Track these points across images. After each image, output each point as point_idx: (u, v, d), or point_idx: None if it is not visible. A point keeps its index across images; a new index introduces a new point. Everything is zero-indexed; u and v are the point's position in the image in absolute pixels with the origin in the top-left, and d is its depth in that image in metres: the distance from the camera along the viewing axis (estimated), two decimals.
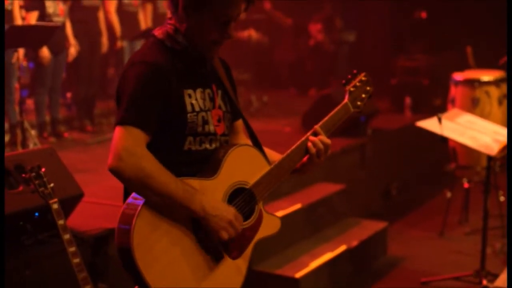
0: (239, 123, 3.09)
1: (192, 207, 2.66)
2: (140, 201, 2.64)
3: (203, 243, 2.74)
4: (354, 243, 6.11)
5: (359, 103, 3.13)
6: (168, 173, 2.64)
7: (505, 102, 7.39)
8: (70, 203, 4.44)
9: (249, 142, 3.05)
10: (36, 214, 4.22)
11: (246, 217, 2.85)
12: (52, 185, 3.72)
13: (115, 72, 9.17)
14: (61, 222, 3.72)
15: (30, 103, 8.33)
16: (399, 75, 10.89)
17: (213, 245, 2.76)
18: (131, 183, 2.62)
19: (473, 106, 7.22)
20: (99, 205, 5.25)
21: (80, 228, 4.56)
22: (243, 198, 2.83)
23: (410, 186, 8.74)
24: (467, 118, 6.02)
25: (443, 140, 5.60)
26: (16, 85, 7.12)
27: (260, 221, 2.90)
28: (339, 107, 3.06)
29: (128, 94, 2.67)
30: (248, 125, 3.02)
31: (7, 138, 7.13)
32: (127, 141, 2.61)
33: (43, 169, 3.71)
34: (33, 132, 7.09)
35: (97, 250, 4.51)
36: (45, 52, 7.54)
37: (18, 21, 7.18)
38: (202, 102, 2.81)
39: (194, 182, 2.71)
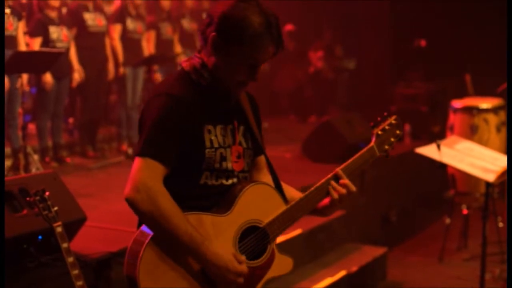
0: (262, 159, 3.04)
1: (195, 255, 2.68)
2: (148, 236, 2.67)
3: (210, 282, 2.75)
4: (354, 268, 6.15)
5: (386, 147, 3.07)
6: (180, 215, 2.65)
7: (503, 129, 7.46)
8: (73, 226, 4.49)
9: (270, 179, 3.02)
10: (40, 237, 4.26)
11: (257, 256, 2.83)
12: (56, 208, 3.76)
13: (118, 98, 9.24)
14: (65, 245, 3.76)
15: (32, 128, 8.39)
16: (399, 102, 10.97)
17: None
18: (144, 216, 2.65)
19: (471, 133, 7.29)
20: (101, 229, 5.30)
21: (83, 251, 4.59)
22: (255, 237, 2.82)
23: (410, 212, 8.78)
24: (466, 145, 6.08)
25: (442, 166, 5.65)
26: (19, 110, 7.19)
27: (271, 260, 2.87)
28: (364, 150, 3.01)
29: (149, 125, 2.69)
30: (269, 163, 2.99)
31: (9, 162, 7.19)
32: (145, 174, 2.64)
33: (47, 193, 3.75)
34: (35, 157, 7.14)
35: (99, 274, 4.55)
36: (48, 77, 7.61)
37: (23, 47, 7.26)
38: (222, 138, 2.81)
39: (206, 218, 2.73)
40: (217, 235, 2.73)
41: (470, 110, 7.41)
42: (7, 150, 7.44)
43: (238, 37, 2.68)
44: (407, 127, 10.16)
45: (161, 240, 2.67)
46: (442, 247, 7.27)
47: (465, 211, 7.32)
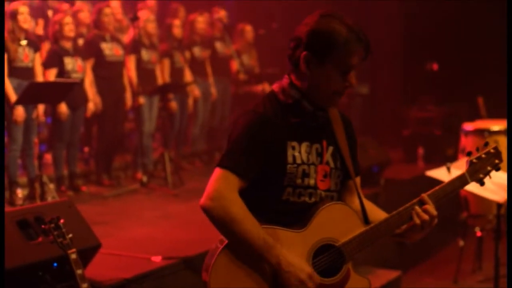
0: (356, 180, 3.06)
1: (268, 258, 2.75)
2: (221, 246, 2.80)
3: (280, 286, 2.80)
4: None
5: (481, 175, 3.08)
6: (253, 222, 2.76)
7: None
8: (88, 253, 4.56)
9: (365, 202, 3.05)
10: (55, 264, 4.34)
11: (331, 274, 2.87)
12: (70, 235, 3.84)
13: (134, 126, 9.34)
14: (79, 271, 3.84)
15: (48, 157, 8.49)
16: (412, 126, 11.03)
17: None
18: (217, 223, 2.78)
19: None
20: (116, 256, 5.37)
21: (97, 278, 4.67)
22: (329, 255, 2.87)
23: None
24: None
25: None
26: (35, 140, 7.31)
27: (346, 280, 2.91)
28: (454, 177, 3.03)
29: (233, 139, 2.85)
30: (356, 186, 3.02)
31: (26, 191, 7.28)
32: (221, 184, 2.78)
33: (62, 221, 3.83)
34: (51, 186, 7.23)
35: None
36: (63, 107, 7.70)
37: (40, 78, 7.38)
38: (306, 155, 2.89)
39: (281, 232, 2.82)
40: (291, 250, 2.81)
41: (481, 133, 7.43)
42: (24, 179, 7.55)
43: (331, 47, 2.81)
44: (421, 151, 10.21)
45: (235, 248, 2.78)
46: (457, 269, 7.27)
47: (478, 233, 7.31)
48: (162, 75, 9.25)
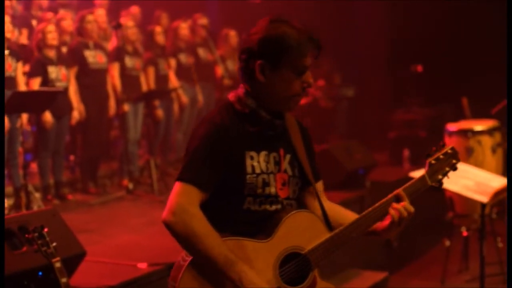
0: (318, 186, 3.07)
1: (229, 275, 2.74)
2: (187, 260, 2.80)
3: None
4: None
5: (440, 176, 3.08)
6: (215, 237, 2.75)
7: (499, 151, 7.52)
8: (73, 262, 4.57)
9: (330, 205, 3.07)
10: (40, 273, 4.33)
11: (297, 283, 2.87)
12: (54, 244, 3.84)
13: (119, 134, 9.34)
14: (63, 280, 3.83)
15: (34, 166, 8.48)
16: (397, 128, 11.06)
17: None
18: (179, 238, 2.77)
19: (467, 155, 7.35)
20: (101, 263, 5.36)
21: (83, 286, 4.67)
22: (296, 264, 2.87)
23: (410, 237, 8.79)
24: (460, 167, 6.10)
25: (436, 189, 5.69)
26: (20, 149, 7.29)
27: (313, 287, 2.90)
28: (415, 179, 3.02)
29: (190, 152, 2.85)
30: (316, 193, 3.02)
31: (11, 201, 7.27)
32: (182, 198, 2.77)
33: (45, 229, 3.83)
34: (37, 195, 7.22)
35: None
36: (47, 116, 7.69)
37: (22, 87, 7.37)
38: (265, 165, 2.89)
39: (247, 243, 2.81)
40: (257, 260, 2.81)
41: (465, 133, 7.48)
42: (9, 189, 7.53)
43: (284, 51, 2.82)
44: (406, 153, 10.23)
45: (199, 264, 2.78)
46: (444, 269, 7.29)
47: (464, 233, 7.35)
48: (147, 82, 9.26)
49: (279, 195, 2.92)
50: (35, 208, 6.87)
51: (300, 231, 2.88)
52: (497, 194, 5.67)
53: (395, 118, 11.38)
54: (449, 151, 3.12)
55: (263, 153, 2.91)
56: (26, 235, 3.90)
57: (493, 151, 7.43)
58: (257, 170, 2.87)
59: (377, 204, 2.95)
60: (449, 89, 11.88)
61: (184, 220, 2.74)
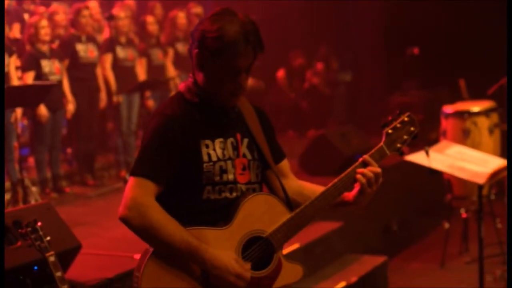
0: (282, 165, 3.08)
1: (196, 260, 2.74)
2: (151, 248, 2.77)
3: (212, 286, 2.79)
4: (353, 279, 6.16)
5: (399, 145, 3.02)
6: (174, 225, 2.73)
7: (496, 132, 7.50)
8: (68, 255, 4.54)
9: (298, 183, 3.08)
10: (35, 267, 4.31)
11: (263, 266, 2.84)
12: (48, 238, 3.81)
13: (114, 126, 9.32)
14: (58, 274, 3.81)
15: (31, 160, 8.47)
16: (394, 111, 11.00)
17: None
18: (138, 232, 2.74)
19: (464, 137, 7.34)
20: (98, 256, 5.35)
21: (80, 279, 4.64)
22: (258, 247, 2.85)
23: (409, 220, 8.80)
24: (457, 149, 6.12)
25: (433, 172, 5.69)
26: (15, 143, 7.27)
27: (279, 269, 2.88)
28: (373, 150, 2.98)
29: (143, 145, 2.82)
30: (276, 174, 3.00)
31: (8, 196, 7.26)
32: (136, 192, 2.73)
33: (39, 223, 3.80)
34: (34, 189, 7.21)
35: None
36: (42, 110, 7.68)
37: (15, 82, 7.34)
38: (221, 151, 2.86)
39: (207, 232, 2.78)
40: (219, 248, 2.78)
41: (461, 115, 7.46)
42: (6, 184, 7.51)
43: (216, 48, 2.78)
44: None
45: (161, 254, 2.74)
46: (443, 252, 7.28)
47: (464, 215, 7.33)
48: (139, 73, 9.24)
49: (238, 181, 2.89)
50: (32, 202, 6.86)
51: (260, 214, 2.85)
52: (494, 175, 5.65)
53: (392, 101, 11.36)
54: (406, 118, 3.06)
55: (218, 140, 2.88)
56: (19, 230, 3.87)
57: (490, 132, 7.41)
58: (214, 158, 2.84)
59: (343, 174, 2.93)
60: (445, 71, 11.86)
61: (140, 212, 2.71)
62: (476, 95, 8.86)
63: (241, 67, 2.81)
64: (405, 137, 3.04)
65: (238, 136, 2.94)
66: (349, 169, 2.93)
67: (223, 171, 2.86)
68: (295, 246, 5.93)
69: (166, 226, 2.71)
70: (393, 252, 7.69)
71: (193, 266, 2.76)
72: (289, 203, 2.95)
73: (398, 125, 3.04)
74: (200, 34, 2.82)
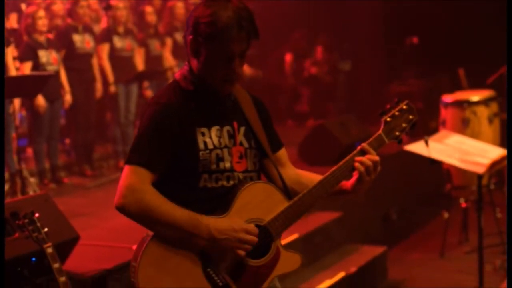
0: (280, 154, 3.07)
1: (199, 233, 2.71)
2: (149, 238, 2.74)
3: (213, 281, 2.77)
4: (353, 269, 6.15)
5: (397, 133, 3.02)
6: (172, 203, 2.71)
7: (496, 121, 7.47)
8: (66, 246, 4.53)
9: (296, 172, 3.07)
10: (33, 259, 4.30)
11: (261, 255, 2.83)
12: (46, 230, 3.79)
13: (112, 116, 9.29)
14: (56, 265, 3.79)
15: (30, 151, 8.45)
16: (392, 100, 10.97)
17: (223, 282, 2.78)
18: (137, 218, 2.72)
19: (463, 126, 7.30)
20: (97, 247, 5.34)
21: (78, 270, 4.63)
22: (257, 236, 2.82)
23: (409, 210, 8.79)
24: (456, 139, 6.10)
25: (432, 162, 5.67)
26: (13, 134, 7.25)
27: (277, 258, 2.87)
28: (371, 139, 2.97)
29: (139, 134, 2.80)
30: (273, 162, 2.99)
31: (7, 186, 7.23)
32: (130, 179, 2.72)
33: (36, 215, 3.79)
34: (32, 180, 7.18)
35: None
36: (40, 100, 7.66)
37: (12, 72, 7.31)
38: (218, 139, 2.84)
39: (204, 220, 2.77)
40: None
41: (460, 104, 7.42)
42: (5, 175, 7.49)
43: (210, 33, 2.76)
44: None
45: (159, 244, 2.73)
46: (443, 242, 7.27)
47: (463, 204, 7.32)
48: (137, 64, 9.21)
49: (235, 169, 2.87)
50: (30, 192, 6.84)
51: (257, 202, 2.84)
52: (494, 165, 5.64)
53: (391, 90, 11.33)
54: (404, 106, 3.06)
55: (214, 128, 2.86)
56: (17, 222, 3.85)
57: (490, 121, 7.38)
58: (210, 146, 2.82)
59: (341, 162, 2.91)
60: (444, 61, 11.83)
61: (135, 198, 2.69)
62: (475, 85, 8.83)
63: (235, 52, 2.79)
64: (403, 125, 3.03)
65: (235, 124, 2.92)
66: (348, 157, 2.92)
67: (220, 159, 2.84)
68: (294, 236, 5.92)
69: (164, 206, 2.71)
70: (393, 242, 7.68)
71: (192, 249, 2.74)
72: (287, 191, 2.93)
73: (397, 113, 3.04)
74: (194, 20, 2.80)
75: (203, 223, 2.72)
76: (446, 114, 7.50)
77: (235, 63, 2.81)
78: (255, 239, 2.78)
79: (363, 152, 2.91)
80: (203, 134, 2.82)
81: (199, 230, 2.72)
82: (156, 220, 2.70)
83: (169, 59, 9.69)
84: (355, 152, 2.92)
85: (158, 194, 2.73)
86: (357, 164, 2.88)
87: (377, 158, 2.90)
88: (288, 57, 13.05)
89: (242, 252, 2.76)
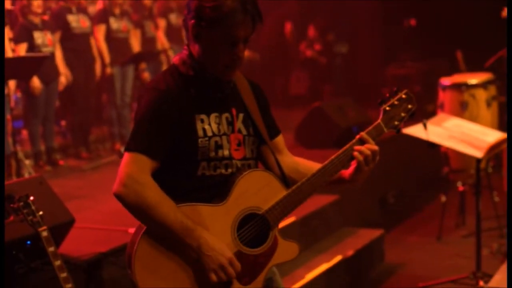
0: (277, 141, 3.03)
1: (188, 242, 2.67)
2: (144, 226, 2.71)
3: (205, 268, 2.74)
4: (350, 252, 6.14)
5: (396, 122, 2.98)
6: (170, 204, 2.67)
7: (494, 104, 7.44)
8: (61, 229, 4.49)
9: (293, 160, 3.03)
10: (28, 242, 4.26)
11: (258, 244, 2.80)
12: (41, 213, 3.75)
13: (108, 98, 9.24)
14: (51, 249, 3.75)
15: (25, 133, 8.40)
16: (391, 83, 10.96)
17: None
18: (133, 210, 2.68)
19: (461, 109, 7.27)
20: (92, 230, 5.30)
21: (73, 253, 4.59)
22: (254, 224, 2.79)
23: (406, 193, 8.77)
24: (454, 122, 6.07)
25: (432, 145, 5.64)
26: (8, 116, 7.19)
27: (274, 247, 2.83)
28: (370, 127, 2.93)
29: (137, 120, 2.75)
30: (271, 150, 2.95)
31: None
32: (131, 168, 2.67)
33: (31, 198, 3.75)
34: (27, 162, 7.15)
35: (91, 275, 4.54)
36: (35, 82, 7.60)
37: (9, 54, 7.26)
38: (217, 126, 2.80)
39: (202, 208, 2.73)
40: (214, 225, 2.73)
41: (459, 87, 7.38)
42: None
43: (214, 18, 2.69)
44: None
45: (154, 233, 2.68)
46: (440, 225, 7.25)
47: (460, 188, 7.29)
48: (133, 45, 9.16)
49: (233, 157, 2.83)
50: (25, 175, 6.81)
51: (255, 191, 2.79)
52: (493, 148, 5.60)
53: (388, 73, 11.29)
54: (404, 96, 3.03)
55: (213, 115, 2.81)
56: (11, 205, 3.80)
57: (488, 104, 7.34)
58: (209, 133, 2.78)
59: (340, 151, 2.88)
60: (442, 43, 11.78)
61: (135, 190, 2.65)
62: (473, 67, 8.79)
63: (239, 37, 2.73)
64: (402, 114, 3.00)
65: (234, 111, 2.87)
66: (346, 146, 2.88)
67: (219, 146, 2.80)
68: (291, 219, 5.90)
69: (162, 206, 2.65)
70: (390, 225, 7.67)
71: (186, 246, 2.70)
72: (285, 179, 2.90)
73: (396, 103, 3.00)
74: (197, 4, 2.73)
75: (195, 235, 2.67)
76: (444, 97, 7.46)
77: (239, 48, 2.75)
78: (233, 273, 2.72)
79: (362, 141, 2.88)
80: (202, 121, 2.78)
81: (190, 239, 2.67)
82: (149, 218, 2.66)
83: (162, 41, 9.62)
84: (353, 141, 2.88)
85: (157, 190, 2.68)
86: (356, 153, 2.84)
87: (376, 147, 2.86)
88: (288, 26, 13.00)
89: (214, 277, 2.70)
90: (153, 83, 2.82)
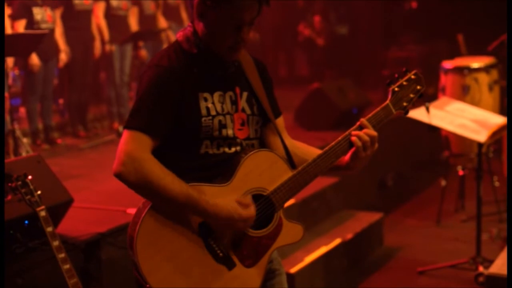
0: (278, 122, 2.96)
1: (196, 212, 2.64)
2: (148, 204, 2.65)
3: (213, 251, 2.70)
4: (349, 235, 6.11)
5: (405, 103, 2.93)
6: (172, 177, 2.62)
7: (496, 88, 7.38)
8: (59, 209, 4.45)
9: (292, 142, 2.98)
10: (26, 222, 4.22)
11: (263, 225, 2.76)
12: (39, 192, 3.71)
13: (106, 76, 9.17)
14: (49, 229, 3.71)
15: (23, 111, 8.34)
16: (391, 66, 10.90)
17: (224, 252, 2.71)
18: (135, 187, 2.62)
19: (463, 93, 7.21)
20: (90, 210, 5.25)
21: (71, 233, 4.56)
22: (259, 205, 2.74)
23: (406, 176, 8.75)
24: (457, 106, 6.03)
25: (432, 129, 5.60)
26: (6, 94, 7.12)
27: (279, 229, 2.80)
28: (378, 109, 2.89)
29: (138, 98, 2.69)
30: (277, 129, 2.92)
31: None
32: (130, 146, 2.61)
33: (29, 177, 3.71)
34: (25, 140, 7.08)
35: (89, 255, 4.51)
36: (34, 59, 7.53)
37: (8, 30, 7.18)
38: (220, 105, 2.75)
39: (206, 189, 2.67)
40: None
41: (461, 71, 7.31)
42: None
43: None
44: None
45: (158, 212, 2.64)
46: (439, 209, 7.23)
47: (460, 172, 7.26)
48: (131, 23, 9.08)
49: (237, 137, 2.79)
50: (23, 153, 6.74)
51: (261, 171, 2.75)
52: (495, 133, 5.56)
53: (389, 55, 11.22)
54: (413, 76, 2.98)
55: (217, 94, 2.76)
56: (9, 184, 3.75)
57: (490, 88, 7.28)
58: (212, 112, 2.73)
59: (340, 137, 2.84)
60: (443, 26, 11.72)
61: (135, 168, 2.59)
62: (474, 50, 8.73)
63: (245, 20, 2.67)
64: (411, 95, 2.95)
65: (237, 89, 2.82)
66: (348, 132, 2.84)
67: (222, 125, 2.75)
68: (291, 201, 5.84)
69: (164, 180, 2.60)
70: (389, 208, 7.66)
71: (192, 219, 2.66)
72: (291, 160, 2.85)
73: (405, 83, 2.96)
74: None
75: (200, 206, 2.62)
76: (446, 80, 7.40)
77: (244, 30, 2.70)
78: (252, 217, 2.69)
79: (361, 128, 2.83)
80: (205, 99, 2.72)
81: (196, 211, 2.64)
82: (154, 193, 2.61)
83: (161, 21, 9.54)
84: (354, 126, 2.84)
85: (158, 165, 2.63)
86: (354, 138, 2.80)
87: (374, 133, 2.82)
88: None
89: (236, 226, 2.69)
90: (155, 59, 2.76)
